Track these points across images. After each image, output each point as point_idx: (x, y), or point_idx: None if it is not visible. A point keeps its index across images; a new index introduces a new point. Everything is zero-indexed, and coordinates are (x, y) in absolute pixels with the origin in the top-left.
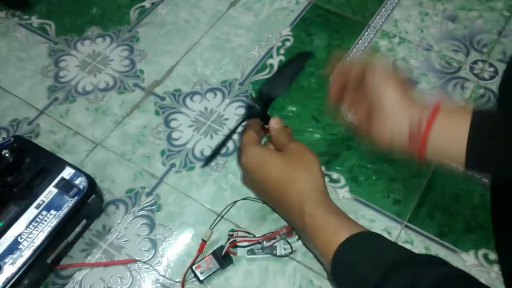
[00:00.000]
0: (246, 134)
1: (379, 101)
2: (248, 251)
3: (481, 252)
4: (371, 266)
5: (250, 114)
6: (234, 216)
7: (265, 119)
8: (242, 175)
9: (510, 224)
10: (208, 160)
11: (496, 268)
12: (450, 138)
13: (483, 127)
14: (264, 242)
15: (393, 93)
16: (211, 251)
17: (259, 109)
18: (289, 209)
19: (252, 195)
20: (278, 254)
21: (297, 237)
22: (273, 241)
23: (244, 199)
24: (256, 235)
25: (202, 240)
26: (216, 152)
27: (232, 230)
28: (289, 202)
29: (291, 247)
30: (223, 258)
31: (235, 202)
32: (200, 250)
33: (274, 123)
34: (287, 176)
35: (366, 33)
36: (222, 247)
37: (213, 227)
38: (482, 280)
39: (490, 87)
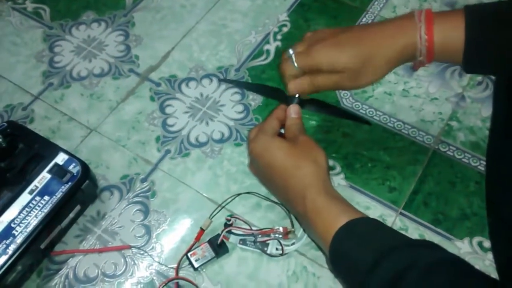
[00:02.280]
0: (268, 121)
1: (339, 60)
2: (240, 240)
3: (475, 239)
4: (368, 249)
5: (285, 99)
6: (235, 207)
7: None
8: (249, 162)
9: (504, 212)
10: (227, 80)
11: (490, 255)
12: (451, 34)
13: (478, 17)
14: (259, 236)
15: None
16: (207, 239)
17: (297, 101)
18: (291, 194)
19: (255, 189)
20: (268, 252)
21: (291, 242)
22: (267, 238)
23: (248, 193)
24: (253, 228)
25: (200, 228)
26: (236, 83)
27: (231, 216)
28: (292, 187)
29: (283, 250)
30: (219, 247)
31: (238, 194)
32: (198, 238)
33: (294, 112)
34: (292, 162)
35: (364, 19)
36: (218, 235)
37: (213, 217)
38: (476, 267)
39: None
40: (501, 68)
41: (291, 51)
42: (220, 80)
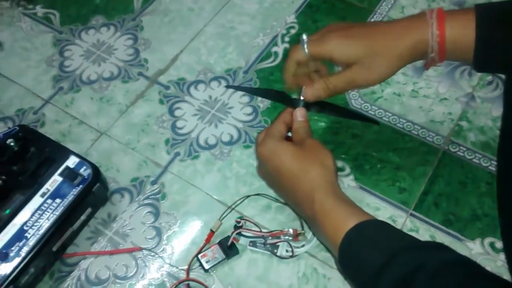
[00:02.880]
0: (275, 124)
1: (359, 51)
2: (250, 242)
3: (487, 240)
4: (377, 251)
5: (291, 102)
6: (244, 209)
7: None
8: (257, 166)
9: None
10: (233, 87)
11: (502, 256)
12: (462, 32)
13: (489, 15)
14: (269, 239)
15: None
16: (217, 240)
17: (303, 104)
18: (300, 197)
19: (264, 191)
20: (278, 254)
21: (301, 244)
22: (277, 240)
23: (257, 194)
24: (263, 230)
25: (211, 230)
26: (243, 89)
27: (241, 218)
28: (300, 191)
29: (293, 252)
30: (229, 249)
31: (248, 196)
32: (208, 240)
33: (300, 115)
34: (300, 166)
35: (372, 20)
36: (228, 237)
37: (223, 219)
38: (488, 269)
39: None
40: (510, 66)
41: (304, 37)
42: (226, 87)
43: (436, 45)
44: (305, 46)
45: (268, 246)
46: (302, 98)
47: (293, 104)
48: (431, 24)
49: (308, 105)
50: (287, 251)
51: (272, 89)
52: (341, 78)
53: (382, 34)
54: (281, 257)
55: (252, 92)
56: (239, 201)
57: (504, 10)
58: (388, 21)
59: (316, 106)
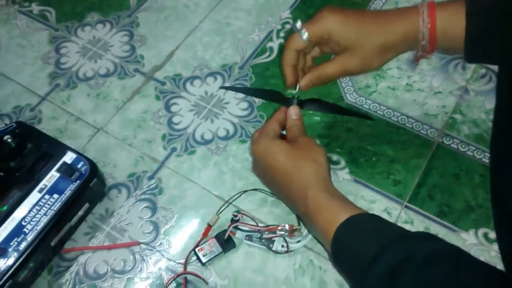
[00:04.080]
0: (269, 123)
1: (349, 40)
2: (246, 236)
3: (481, 231)
4: (368, 243)
5: (285, 100)
6: (241, 203)
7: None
8: (252, 164)
9: (509, 203)
10: (227, 87)
11: (495, 247)
12: (453, 22)
13: (478, 5)
14: (265, 233)
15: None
16: (214, 234)
17: (296, 102)
18: (293, 194)
19: (261, 185)
20: (273, 249)
21: (297, 239)
22: (273, 235)
23: (254, 189)
24: (259, 224)
25: (208, 224)
26: (236, 89)
27: (238, 212)
28: (294, 188)
29: (288, 247)
30: (226, 242)
31: (245, 191)
32: (205, 234)
33: (294, 113)
34: (293, 163)
35: None
36: (225, 231)
37: (220, 213)
38: (482, 259)
39: (491, 67)
40: (502, 57)
41: (299, 23)
42: (220, 88)
43: (427, 31)
44: (303, 31)
45: (264, 240)
46: (296, 97)
47: (287, 102)
48: (422, 12)
49: (301, 103)
50: (282, 246)
51: (266, 89)
52: (334, 64)
53: (375, 18)
54: (276, 252)
55: (246, 92)
56: (236, 196)
57: (493, 2)
58: (381, 11)
59: (310, 104)
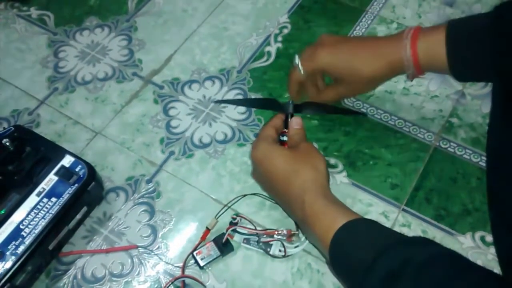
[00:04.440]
0: (265, 129)
1: (345, 68)
2: (244, 239)
3: (478, 234)
4: (366, 248)
5: (280, 108)
6: (239, 206)
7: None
8: (252, 169)
9: (506, 206)
10: (222, 101)
11: (492, 250)
12: (434, 50)
13: (458, 33)
14: (263, 237)
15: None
16: (212, 238)
17: (291, 110)
18: (291, 199)
19: (258, 189)
20: (271, 253)
21: (294, 245)
22: (271, 239)
23: (254, 194)
24: (257, 228)
25: (206, 228)
26: (231, 102)
27: (236, 215)
28: (291, 193)
29: (285, 252)
30: (224, 246)
31: (244, 195)
32: (203, 238)
33: (296, 123)
34: (292, 168)
35: (364, 19)
36: (223, 234)
37: (218, 217)
38: (479, 262)
39: None
40: (489, 77)
41: (297, 60)
42: (215, 102)
43: (411, 63)
44: (300, 68)
45: (261, 244)
46: (290, 101)
47: (283, 108)
48: (405, 45)
49: (297, 108)
50: (280, 250)
51: (260, 98)
52: (331, 92)
53: (365, 49)
54: (273, 256)
55: (241, 104)
56: (234, 200)
57: (472, 24)
58: (371, 38)
59: (306, 107)
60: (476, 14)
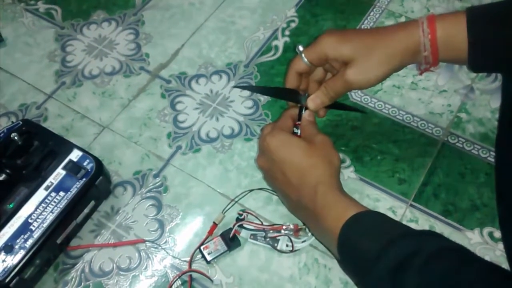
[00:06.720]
0: (283, 118)
1: (350, 55)
2: (251, 235)
3: (486, 230)
4: (375, 239)
5: (297, 99)
6: (246, 201)
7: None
8: (257, 155)
9: None
10: (241, 87)
11: (500, 246)
12: (454, 31)
13: (479, 15)
14: (269, 232)
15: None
16: (219, 232)
17: (305, 102)
18: (303, 191)
19: (266, 183)
20: (278, 248)
21: (301, 239)
22: (278, 234)
23: (261, 189)
24: (264, 223)
25: (214, 223)
26: (250, 89)
27: (243, 211)
28: (304, 184)
29: (293, 246)
30: (231, 241)
31: (251, 190)
32: (210, 233)
33: (308, 115)
34: (309, 161)
35: (372, 13)
36: (230, 229)
37: (226, 211)
38: (487, 258)
39: None
40: (506, 65)
41: (300, 48)
42: (234, 87)
43: (428, 42)
44: (303, 55)
45: (268, 239)
46: (306, 94)
47: (300, 100)
48: (422, 23)
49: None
50: (287, 245)
51: (281, 87)
52: (337, 80)
53: (374, 33)
54: (281, 251)
55: (261, 91)
56: (242, 195)
57: (494, 11)
58: (381, 27)
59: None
60: (496, 2)
